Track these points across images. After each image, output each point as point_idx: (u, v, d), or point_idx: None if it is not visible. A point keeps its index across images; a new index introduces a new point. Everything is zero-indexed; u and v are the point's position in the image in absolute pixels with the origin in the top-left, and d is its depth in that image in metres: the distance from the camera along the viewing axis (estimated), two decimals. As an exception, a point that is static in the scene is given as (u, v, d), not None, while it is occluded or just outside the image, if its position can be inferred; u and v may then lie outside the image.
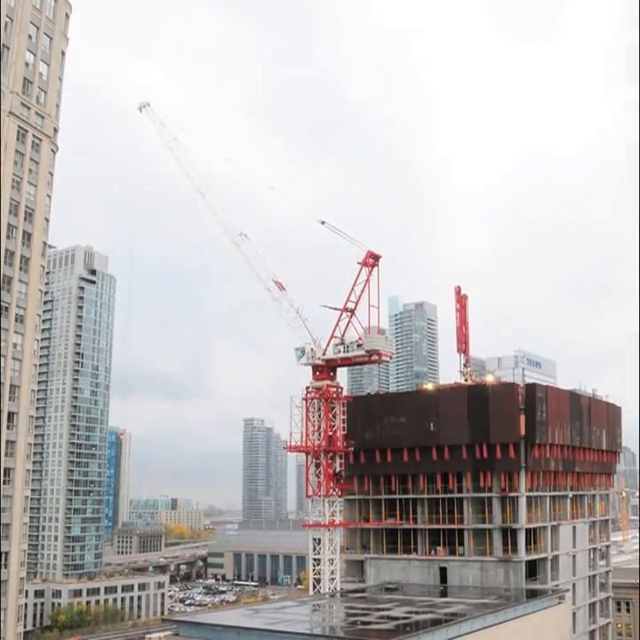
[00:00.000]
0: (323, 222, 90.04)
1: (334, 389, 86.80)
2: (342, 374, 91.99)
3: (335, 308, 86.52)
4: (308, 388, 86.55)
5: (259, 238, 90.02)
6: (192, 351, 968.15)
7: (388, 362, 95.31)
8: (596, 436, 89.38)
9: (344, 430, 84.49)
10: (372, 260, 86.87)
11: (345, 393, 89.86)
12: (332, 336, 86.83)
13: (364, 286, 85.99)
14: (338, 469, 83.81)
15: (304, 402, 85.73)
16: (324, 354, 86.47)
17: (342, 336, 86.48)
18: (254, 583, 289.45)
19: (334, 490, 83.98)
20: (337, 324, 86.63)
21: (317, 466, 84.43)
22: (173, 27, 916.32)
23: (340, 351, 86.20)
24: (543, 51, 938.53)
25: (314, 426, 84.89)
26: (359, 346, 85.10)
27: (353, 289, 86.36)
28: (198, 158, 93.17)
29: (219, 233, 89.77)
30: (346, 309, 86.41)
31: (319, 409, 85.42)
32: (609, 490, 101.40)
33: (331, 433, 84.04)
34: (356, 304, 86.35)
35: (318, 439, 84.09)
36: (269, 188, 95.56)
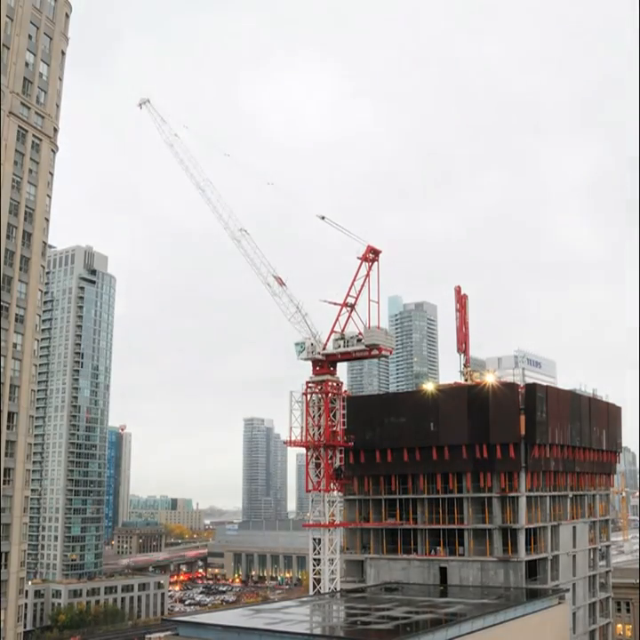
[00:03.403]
0: (323, 217, 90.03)
1: (334, 384, 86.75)
2: (342, 374, 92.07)
3: (335, 303, 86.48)
4: (308, 382, 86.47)
5: (258, 233, 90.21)
6: (193, 349, 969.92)
7: (387, 357, 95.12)
8: (596, 436, 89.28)
9: (344, 425, 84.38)
10: (372, 254, 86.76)
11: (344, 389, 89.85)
12: (332, 331, 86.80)
13: (364, 281, 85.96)
14: (338, 464, 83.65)
15: (304, 397, 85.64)
16: (324, 349, 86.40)
17: (342, 331, 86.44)
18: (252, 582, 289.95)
19: (334, 484, 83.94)
20: (337, 319, 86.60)
21: (317, 461, 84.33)
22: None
23: (340, 346, 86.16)
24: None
25: (314, 421, 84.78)
26: (359, 341, 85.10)
27: (353, 284, 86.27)
28: (198, 154, 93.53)
29: (220, 228, 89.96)
30: (346, 304, 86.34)
31: (319, 404, 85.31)
32: (609, 490, 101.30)
33: (331, 427, 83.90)
34: (356, 299, 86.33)
35: (318, 434, 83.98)
36: (270, 183, 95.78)
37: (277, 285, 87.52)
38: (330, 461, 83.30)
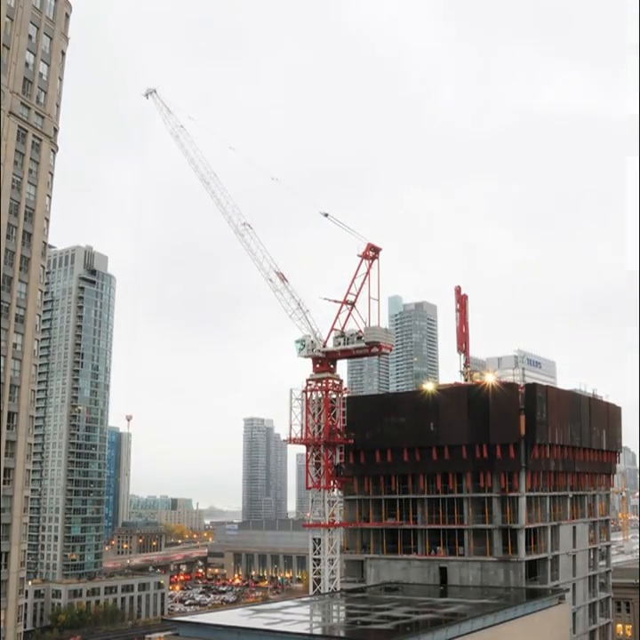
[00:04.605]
0: (326, 214, 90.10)
1: (334, 382, 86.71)
2: (342, 374, 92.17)
3: (335, 301, 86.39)
4: (308, 380, 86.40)
5: (261, 228, 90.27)
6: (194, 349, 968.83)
7: (387, 354, 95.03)
8: (596, 436, 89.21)
9: (344, 422, 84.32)
10: (373, 252, 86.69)
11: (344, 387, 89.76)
12: (333, 328, 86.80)
13: (365, 279, 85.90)
14: (338, 462, 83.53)
15: (304, 394, 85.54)
16: (324, 346, 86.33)
17: (342, 328, 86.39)
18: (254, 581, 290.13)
19: (334, 482, 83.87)
20: (337, 317, 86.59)
21: (317, 458, 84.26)
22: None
23: (340, 343, 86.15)
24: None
25: (314, 418, 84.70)
26: (359, 338, 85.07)
27: (353, 281, 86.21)
28: (203, 146, 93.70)
29: (223, 222, 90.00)
30: (346, 302, 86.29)
31: (319, 401, 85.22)
32: (609, 490, 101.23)
33: (331, 425, 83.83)
34: (356, 297, 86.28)
35: (318, 431, 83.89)
36: (274, 178, 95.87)
37: (279, 281, 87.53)
38: (330, 459, 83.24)
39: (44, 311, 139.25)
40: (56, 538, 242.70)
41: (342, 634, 52.34)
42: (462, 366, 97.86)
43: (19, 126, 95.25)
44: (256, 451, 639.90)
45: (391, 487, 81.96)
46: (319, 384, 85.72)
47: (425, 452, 78.11)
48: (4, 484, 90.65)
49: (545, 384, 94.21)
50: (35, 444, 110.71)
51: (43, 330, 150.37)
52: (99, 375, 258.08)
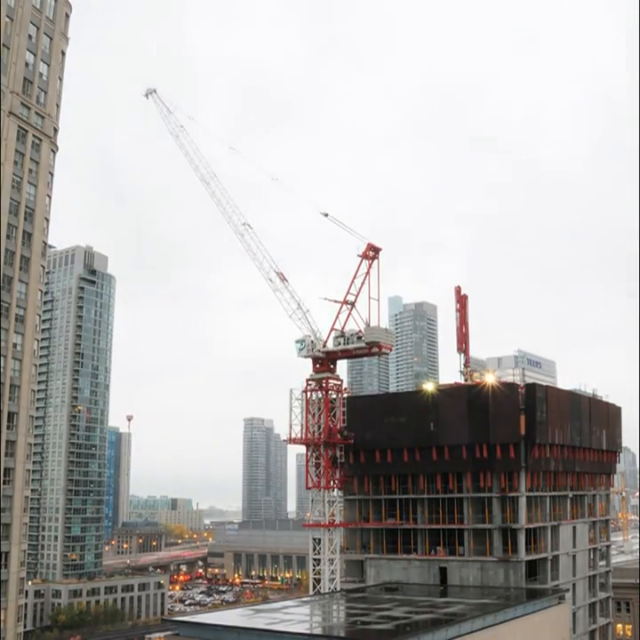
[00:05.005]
0: (326, 214, 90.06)
1: (334, 382, 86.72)
2: (342, 374, 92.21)
3: (336, 301, 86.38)
4: (308, 380, 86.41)
5: (262, 228, 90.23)
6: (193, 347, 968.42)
7: (387, 354, 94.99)
8: (596, 436, 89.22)
9: (344, 422, 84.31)
10: (373, 252, 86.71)
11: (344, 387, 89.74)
12: (333, 328, 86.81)
13: (365, 279, 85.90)
14: (338, 461, 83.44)
15: (304, 394, 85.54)
16: (324, 346, 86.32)
17: (342, 328, 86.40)
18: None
19: (334, 481, 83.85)
20: (337, 317, 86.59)
21: (317, 458, 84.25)
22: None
23: (340, 343, 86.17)
24: None
25: (314, 419, 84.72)
26: (359, 338, 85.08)
27: (353, 281, 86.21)
28: (203, 146, 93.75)
29: (223, 222, 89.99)
30: (346, 302, 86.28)
31: (319, 401, 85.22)
32: (609, 490, 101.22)
33: (331, 425, 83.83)
34: (356, 297, 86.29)
35: (318, 431, 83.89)
36: (274, 178, 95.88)
37: (279, 281, 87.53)
38: (329, 459, 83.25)
39: (44, 311, 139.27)
40: (56, 538, 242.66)
41: (342, 634, 52.33)
42: (462, 366, 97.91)
43: (19, 126, 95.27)
44: (256, 451, 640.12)
45: (391, 487, 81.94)
46: (319, 384, 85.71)
47: (425, 451, 78.08)
48: (4, 483, 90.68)
49: (545, 384, 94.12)
50: (35, 444, 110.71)
51: (43, 330, 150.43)
52: (99, 375, 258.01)
